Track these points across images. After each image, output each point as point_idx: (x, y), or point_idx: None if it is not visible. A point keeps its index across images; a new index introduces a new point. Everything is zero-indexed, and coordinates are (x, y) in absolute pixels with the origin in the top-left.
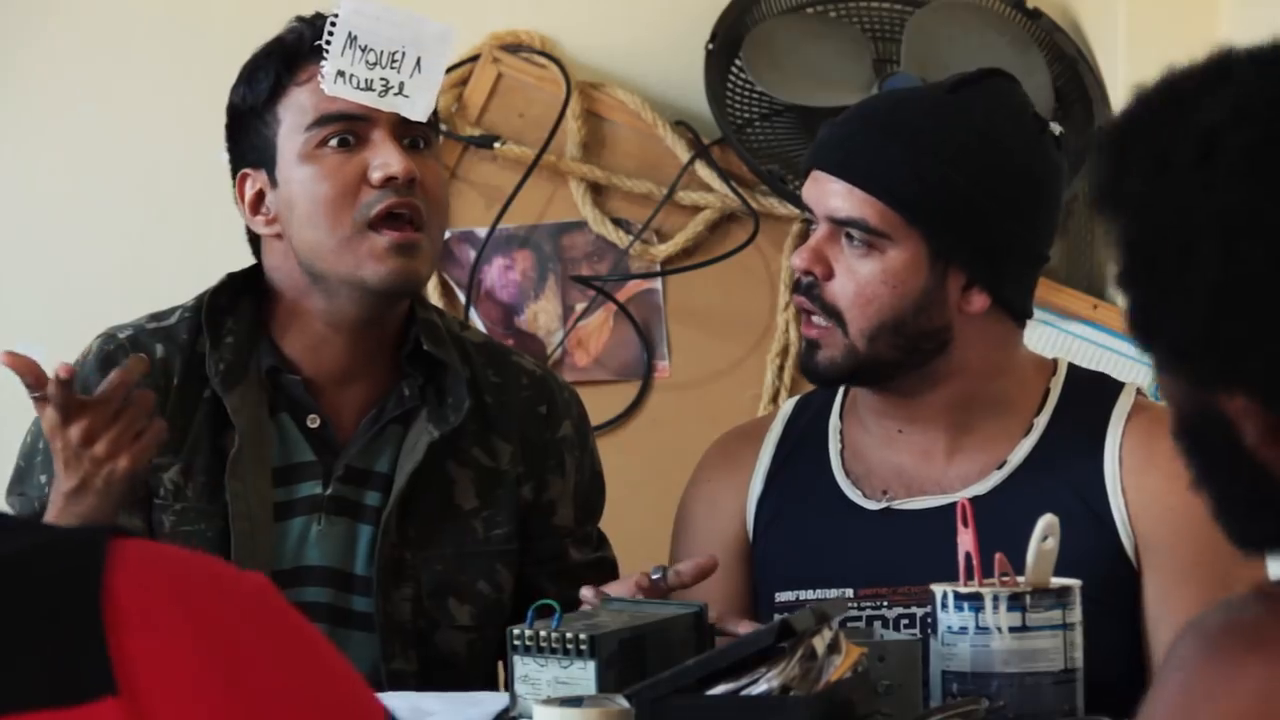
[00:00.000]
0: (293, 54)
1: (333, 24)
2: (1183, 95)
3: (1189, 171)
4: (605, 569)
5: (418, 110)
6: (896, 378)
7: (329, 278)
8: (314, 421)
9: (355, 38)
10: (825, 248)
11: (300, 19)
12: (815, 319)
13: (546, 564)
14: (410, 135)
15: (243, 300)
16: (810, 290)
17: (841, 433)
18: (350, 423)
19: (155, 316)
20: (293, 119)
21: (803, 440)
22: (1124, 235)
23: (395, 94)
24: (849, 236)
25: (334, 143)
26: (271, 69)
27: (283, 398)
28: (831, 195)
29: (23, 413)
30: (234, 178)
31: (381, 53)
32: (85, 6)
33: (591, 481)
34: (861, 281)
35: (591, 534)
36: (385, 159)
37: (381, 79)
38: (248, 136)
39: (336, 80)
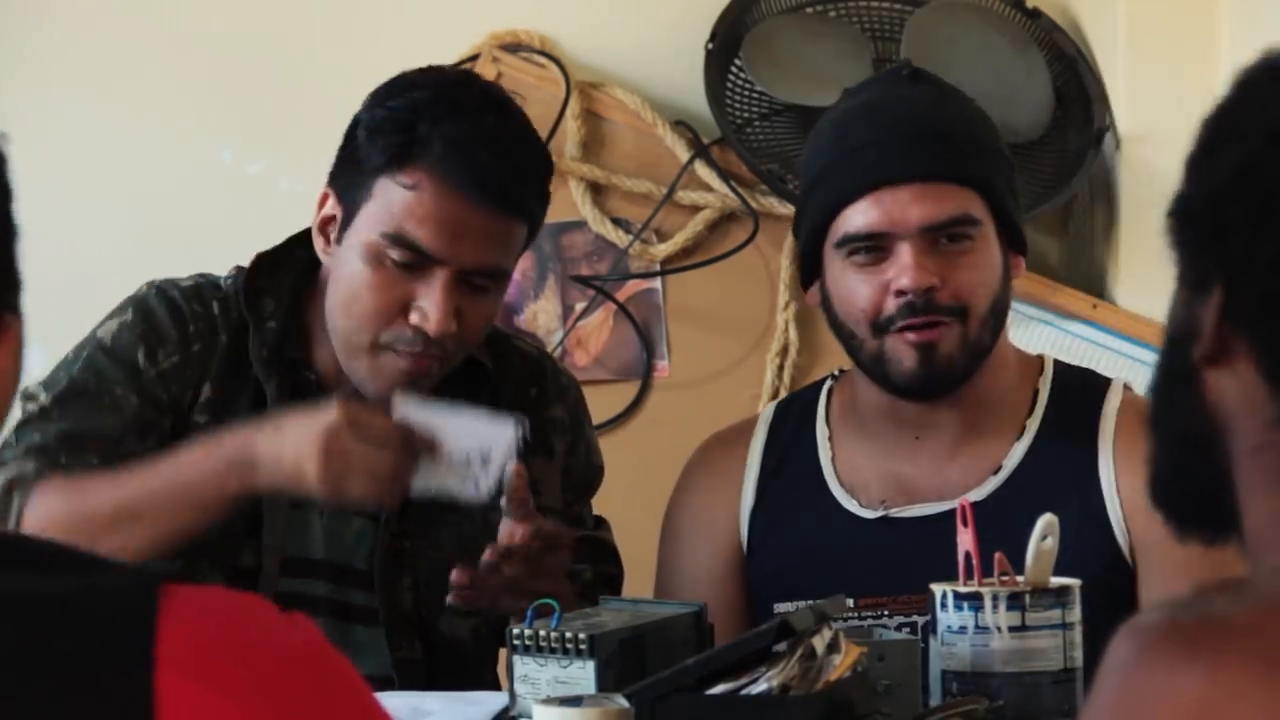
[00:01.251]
0: (415, 147)
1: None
2: None
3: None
4: (596, 548)
5: (482, 492)
6: (980, 366)
7: (341, 358)
8: None
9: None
10: (927, 260)
11: (449, 112)
12: (932, 324)
13: None
14: (481, 281)
15: (282, 277)
16: (930, 305)
17: (830, 441)
18: None
19: (207, 278)
20: (380, 209)
21: (790, 447)
22: (1205, 118)
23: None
24: (948, 238)
25: (396, 259)
26: (391, 148)
27: (300, 386)
28: (923, 203)
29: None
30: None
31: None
32: (83, 6)
33: (586, 470)
34: (973, 274)
35: (582, 515)
36: (429, 310)
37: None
38: (347, 169)
39: None
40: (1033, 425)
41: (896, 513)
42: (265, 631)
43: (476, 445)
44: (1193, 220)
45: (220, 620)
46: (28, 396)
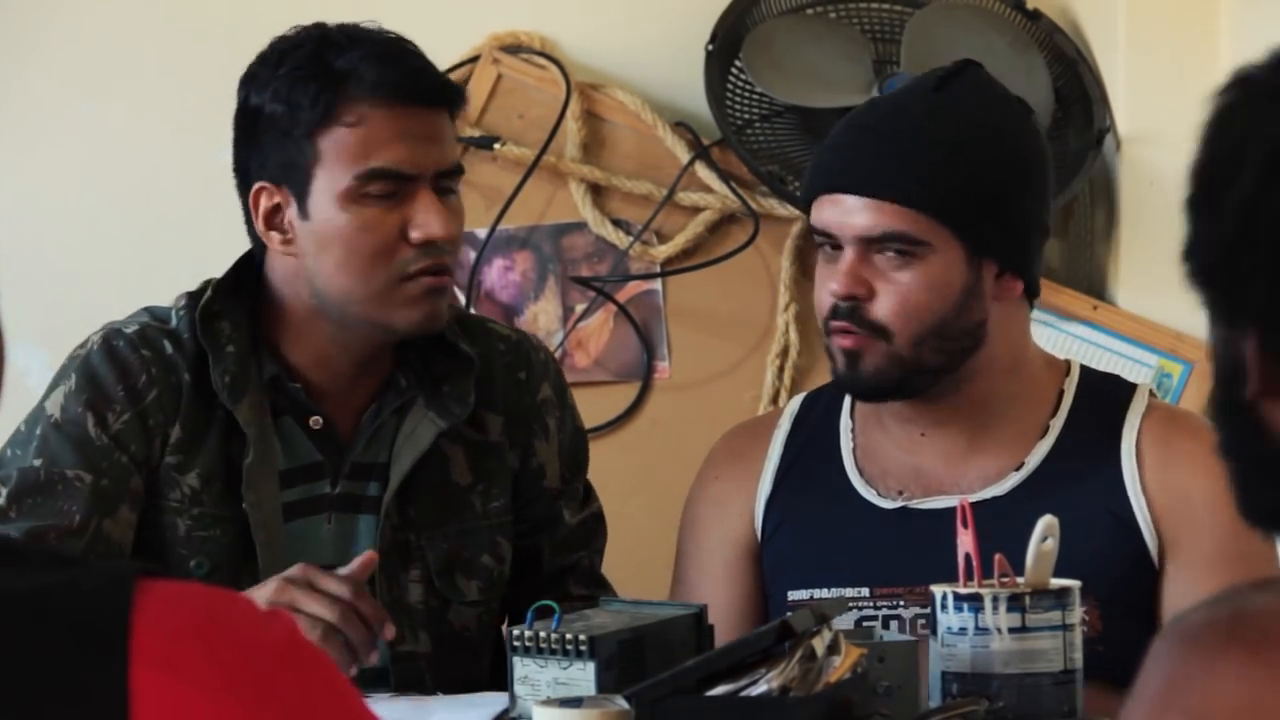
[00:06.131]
0: (341, 85)
1: None
2: None
3: (1266, 101)
4: (594, 527)
5: None
6: (936, 384)
7: (355, 318)
8: (317, 424)
9: None
10: (860, 268)
11: (347, 41)
12: (850, 331)
13: (544, 530)
14: (447, 184)
15: (235, 303)
16: (854, 313)
17: (853, 431)
18: (352, 417)
19: (154, 315)
20: (337, 158)
21: (812, 439)
22: (1199, 155)
23: None
24: (890, 251)
25: (377, 193)
26: (319, 98)
27: (285, 401)
28: (859, 213)
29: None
30: (242, 178)
31: None
32: (85, 7)
33: (574, 438)
34: (906, 293)
35: (578, 490)
36: (427, 220)
37: None
38: (272, 151)
39: None
40: (1056, 425)
41: (915, 504)
42: (240, 626)
43: None
44: (1209, 272)
45: (194, 615)
46: None
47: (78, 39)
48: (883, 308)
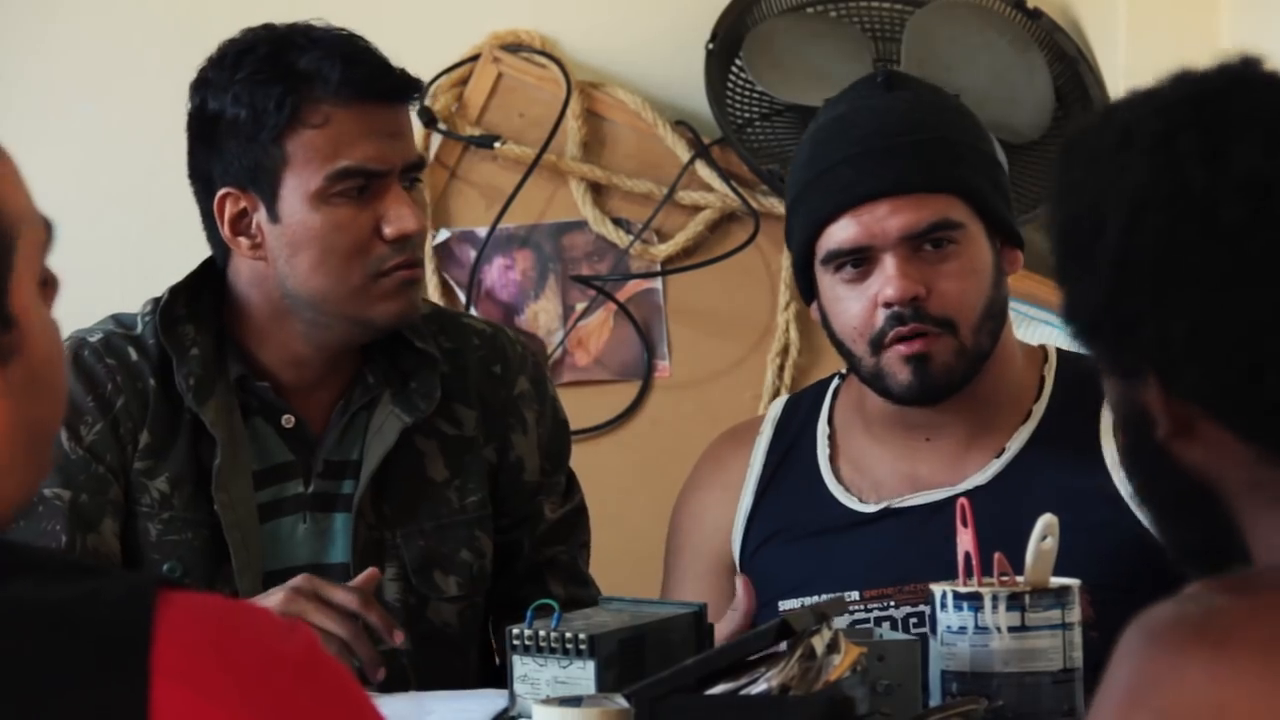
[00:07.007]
0: (307, 86)
1: None
2: (1116, 105)
3: (1111, 156)
4: (575, 521)
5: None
6: (981, 369)
7: (331, 316)
8: (289, 422)
9: None
10: (911, 269)
11: (306, 42)
12: (919, 334)
13: (524, 524)
14: (412, 178)
15: (199, 305)
16: (918, 315)
17: (831, 438)
18: (322, 416)
19: (119, 321)
20: (306, 160)
21: (794, 446)
22: (1059, 221)
23: None
24: (931, 244)
25: (347, 192)
26: (285, 100)
27: (255, 401)
28: (899, 214)
29: None
30: (203, 184)
31: None
32: (85, 7)
33: (555, 431)
34: (959, 279)
35: (560, 483)
36: (399, 215)
37: None
38: (236, 155)
39: None
40: (1038, 410)
41: (898, 503)
42: (258, 639)
43: None
44: (1095, 327)
45: (214, 628)
46: None
47: (78, 39)
48: (942, 301)
